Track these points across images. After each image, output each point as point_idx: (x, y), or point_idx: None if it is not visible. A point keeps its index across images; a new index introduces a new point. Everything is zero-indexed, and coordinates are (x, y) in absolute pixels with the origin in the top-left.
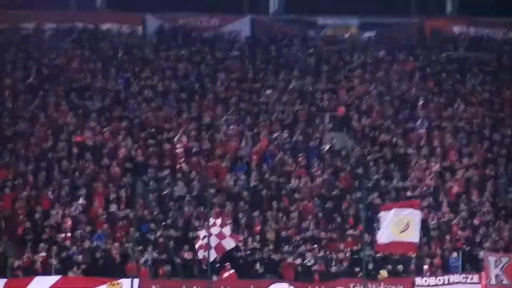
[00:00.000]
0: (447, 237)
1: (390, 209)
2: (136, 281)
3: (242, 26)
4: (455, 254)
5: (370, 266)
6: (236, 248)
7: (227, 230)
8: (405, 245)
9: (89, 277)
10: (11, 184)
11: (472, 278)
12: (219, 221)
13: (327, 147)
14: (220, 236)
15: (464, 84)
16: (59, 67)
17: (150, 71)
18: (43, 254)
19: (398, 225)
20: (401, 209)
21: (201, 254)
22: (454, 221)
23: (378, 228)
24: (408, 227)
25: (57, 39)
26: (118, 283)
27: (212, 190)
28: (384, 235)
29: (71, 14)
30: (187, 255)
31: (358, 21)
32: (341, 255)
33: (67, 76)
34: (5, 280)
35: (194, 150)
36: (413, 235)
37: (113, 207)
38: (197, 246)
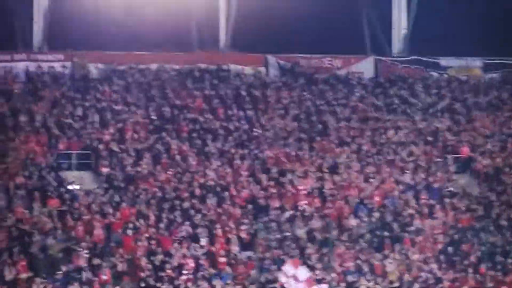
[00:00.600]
0: None
1: None
2: None
3: (365, 67)
4: None
5: None
6: None
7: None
8: None
9: None
10: (133, 226)
11: None
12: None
13: (450, 188)
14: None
15: None
16: (182, 107)
17: (272, 112)
18: None
19: None
20: None
21: None
22: None
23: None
24: None
25: (180, 80)
26: None
27: (334, 231)
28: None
29: (194, 55)
30: None
31: (482, 63)
32: None
33: (189, 116)
34: None
35: (316, 191)
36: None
37: (234, 248)
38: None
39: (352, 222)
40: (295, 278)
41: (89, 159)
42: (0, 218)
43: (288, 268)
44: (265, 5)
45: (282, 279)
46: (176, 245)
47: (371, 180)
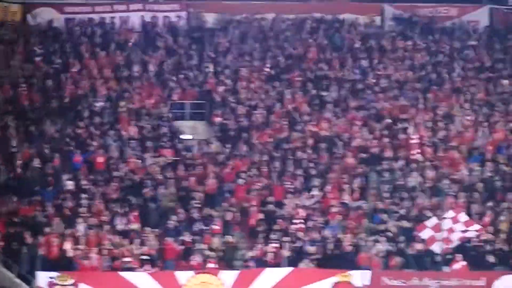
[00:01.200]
0: None
1: None
2: (368, 272)
3: (480, 16)
4: None
5: None
6: (468, 240)
7: (459, 224)
8: None
9: (320, 269)
10: (245, 175)
11: None
12: (452, 213)
13: None
14: (452, 229)
15: None
16: (296, 57)
17: (387, 61)
18: (275, 245)
19: None
20: None
21: (435, 246)
22: None
23: None
24: None
25: (295, 30)
26: (349, 275)
27: (446, 181)
28: None
29: (309, 5)
30: (420, 246)
31: None
32: None
33: (303, 66)
34: (238, 271)
35: (429, 140)
36: None
37: (346, 198)
38: (427, 236)
39: (464, 171)
40: (456, 221)
41: (203, 109)
42: (112, 168)
43: (448, 213)
44: None
45: (445, 224)
46: (288, 195)
47: (484, 129)
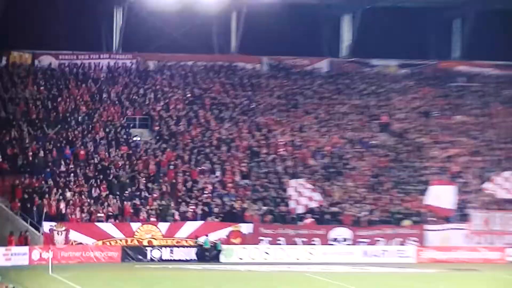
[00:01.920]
0: None
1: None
2: (251, 225)
3: (323, 64)
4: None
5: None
6: (316, 206)
7: (315, 195)
8: (444, 210)
9: (221, 222)
10: (173, 163)
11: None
12: (307, 185)
13: (374, 141)
14: (309, 198)
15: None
16: (206, 89)
17: (264, 92)
18: (193, 207)
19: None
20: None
21: (295, 207)
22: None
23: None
24: (446, 198)
25: (206, 71)
26: (239, 226)
27: (301, 168)
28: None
29: (215, 56)
30: (284, 209)
31: (397, 62)
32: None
33: (211, 95)
34: (169, 223)
35: (290, 142)
36: (450, 204)
37: (237, 178)
38: (291, 202)
39: (312, 162)
40: (309, 192)
41: (147, 121)
42: (90, 158)
43: None
44: (264, 22)
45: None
46: (200, 176)
47: (325, 136)
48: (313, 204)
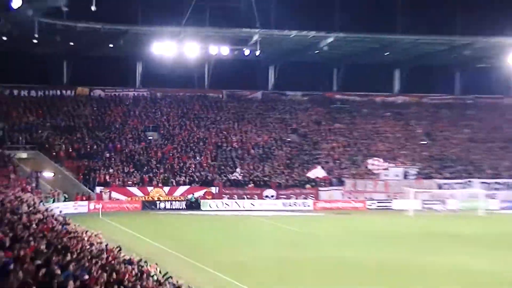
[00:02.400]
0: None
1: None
2: (217, 188)
3: (258, 95)
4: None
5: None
6: (254, 176)
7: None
8: (321, 178)
9: (200, 186)
10: (172, 153)
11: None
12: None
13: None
14: (250, 172)
15: None
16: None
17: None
18: (179, 178)
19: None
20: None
21: (242, 178)
22: None
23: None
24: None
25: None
26: (211, 189)
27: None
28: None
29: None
30: (233, 177)
31: (301, 93)
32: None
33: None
34: (169, 187)
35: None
36: (322, 174)
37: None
38: (240, 174)
39: (252, 151)
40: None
41: (156, 128)
42: (123, 150)
43: None
44: (224, 69)
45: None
46: (188, 159)
47: (260, 136)
48: (253, 176)
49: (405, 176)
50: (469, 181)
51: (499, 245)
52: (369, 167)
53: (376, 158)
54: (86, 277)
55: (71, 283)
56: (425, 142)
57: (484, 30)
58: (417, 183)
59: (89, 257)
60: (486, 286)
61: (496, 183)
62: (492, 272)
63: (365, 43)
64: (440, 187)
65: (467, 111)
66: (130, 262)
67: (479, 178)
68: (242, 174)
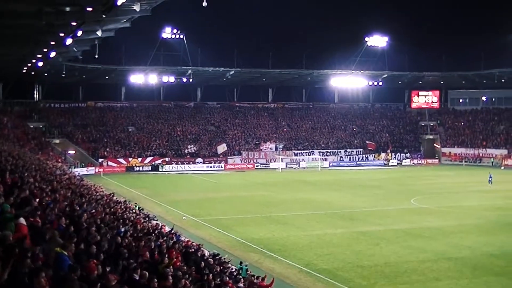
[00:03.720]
0: None
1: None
2: (169, 158)
3: (191, 104)
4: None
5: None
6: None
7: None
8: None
9: (160, 157)
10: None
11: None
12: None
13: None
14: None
15: None
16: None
17: None
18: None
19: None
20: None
21: (187, 151)
22: None
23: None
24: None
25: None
26: (166, 159)
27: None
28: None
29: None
30: (182, 152)
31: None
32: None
33: None
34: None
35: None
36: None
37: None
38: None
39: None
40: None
41: None
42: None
43: None
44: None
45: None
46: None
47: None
48: (192, 150)
49: (276, 149)
50: (312, 151)
51: (330, 186)
52: (256, 144)
53: (259, 139)
54: (94, 211)
55: (85, 215)
56: (286, 130)
57: (318, 66)
58: (282, 153)
59: (95, 200)
60: (322, 209)
61: (326, 152)
62: (326, 201)
63: (251, 73)
64: (295, 155)
65: (310, 111)
66: (118, 202)
67: (317, 149)
68: (191, 149)
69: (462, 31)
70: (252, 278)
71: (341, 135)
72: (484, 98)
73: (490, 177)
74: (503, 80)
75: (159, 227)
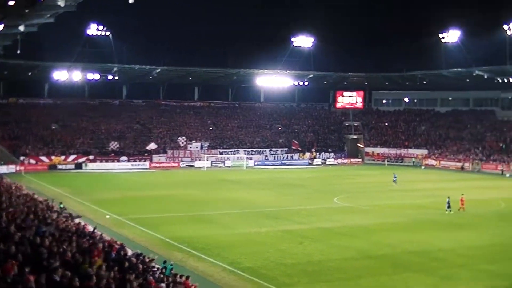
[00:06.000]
0: None
1: None
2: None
3: (116, 102)
4: None
5: None
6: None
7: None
8: (154, 149)
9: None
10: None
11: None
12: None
13: None
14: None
15: None
16: None
17: None
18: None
19: None
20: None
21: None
22: None
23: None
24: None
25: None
26: (90, 156)
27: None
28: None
29: None
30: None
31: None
32: None
33: None
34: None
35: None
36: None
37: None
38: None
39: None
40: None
41: None
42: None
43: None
44: None
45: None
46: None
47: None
48: (114, 147)
49: (201, 147)
50: (237, 150)
51: (255, 185)
52: (180, 143)
53: (184, 137)
54: (13, 210)
55: (4, 215)
56: (211, 128)
57: (245, 65)
58: (208, 151)
59: (15, 199)
60: (247, 208)
61: (252, 151)
62: (251, 200)
63: (178, 72)
64: (221, 153)
65: (236, 111)
66: (41, 201)
67: (243, 148)
68: (114, 146)
69: (387, 33)
70: (175, 277)
71: (266, 134)
72: (406, 99)
73: (395, 177)
74: (424, 82)
75: (82, 226)
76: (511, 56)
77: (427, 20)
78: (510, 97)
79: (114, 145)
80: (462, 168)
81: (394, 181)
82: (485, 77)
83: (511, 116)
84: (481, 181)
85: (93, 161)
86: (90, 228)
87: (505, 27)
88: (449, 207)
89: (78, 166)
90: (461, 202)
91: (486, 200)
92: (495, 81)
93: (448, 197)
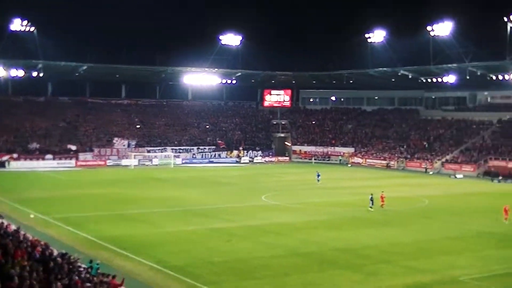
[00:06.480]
0: None
1: None
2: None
3: (42, 99)
4: None
5: None
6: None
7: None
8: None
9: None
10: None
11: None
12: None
13: None
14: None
15: None
16: None
17: None
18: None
19: None
20: None
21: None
22: None
23: None
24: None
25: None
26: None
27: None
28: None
29: None
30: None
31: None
32: None
33: None
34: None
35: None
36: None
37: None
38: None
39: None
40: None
41: None
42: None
43: None
44: None
45: None
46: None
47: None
48: (35, 147)
49: (128, 145)
50: (165, 148)
51: (183, 183)
52: (108, 140)
53: (111, 135)
54: None
55: None
56: (139, 126)
57: (172, 63)
58: (135, 149)
59: None
60: (175, 206)
61: (179, 149)
62: (179, 198)
63: (105, 69)
64: (148, 151)
65: (164, 109)
66: None
67: (170, 146)
68: (35, 146)
69: (314, 32)
70: (102, 277)
71: (194, 133)
72: (333, 98)
73: (318, 175)
74: (351, 81)
75: (5, 226)
76: (434, 56)
77: (353, 20)
78: (433, 97)
79: (33, 145)
80: (388, 166)
81: (318, 179)
82: (410, 77)
83: (435, 115)
84: (406, 178)
85: (17, 159)
86: (13, 227)
87: (429, 28)
88: (372, 204)
89: (1, 164)
90: (381, 199)
91: (410, 197)
92: (419, 81)
93: (371, 194)
